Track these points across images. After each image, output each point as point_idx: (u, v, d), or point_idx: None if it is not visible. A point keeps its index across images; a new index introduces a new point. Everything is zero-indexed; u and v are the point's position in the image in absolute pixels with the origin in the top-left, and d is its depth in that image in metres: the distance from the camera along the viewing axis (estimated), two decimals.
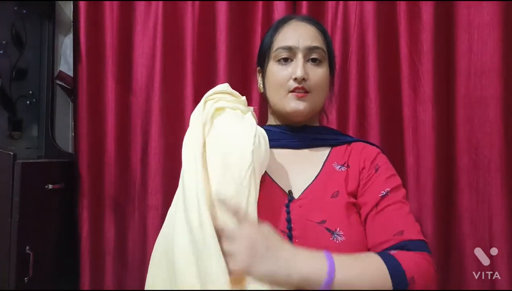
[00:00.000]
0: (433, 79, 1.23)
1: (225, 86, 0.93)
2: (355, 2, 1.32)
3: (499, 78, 1.17)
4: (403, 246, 0.74)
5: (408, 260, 0.70)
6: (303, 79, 0.88)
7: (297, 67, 0.88)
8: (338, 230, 0.79)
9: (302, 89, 0.89)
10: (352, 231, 0.80)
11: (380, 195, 0.82)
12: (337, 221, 0.80)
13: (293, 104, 0.90)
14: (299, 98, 0.89)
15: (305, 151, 0.94)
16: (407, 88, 1.26)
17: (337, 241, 0.77)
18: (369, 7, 1.29)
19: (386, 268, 0.67)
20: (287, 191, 0.86)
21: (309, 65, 0.90)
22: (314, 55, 0.90)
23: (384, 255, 0.71)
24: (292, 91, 0.90)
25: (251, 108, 0.93)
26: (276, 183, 0.88)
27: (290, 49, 0.90)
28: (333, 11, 1.35)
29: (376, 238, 0.78)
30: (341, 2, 1.34)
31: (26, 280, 1.22)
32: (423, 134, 1.24)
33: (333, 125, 1.30)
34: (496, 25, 1.18)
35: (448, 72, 1.25)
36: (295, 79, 0.88)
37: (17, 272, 1.19)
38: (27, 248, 1.23)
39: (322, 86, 0.92)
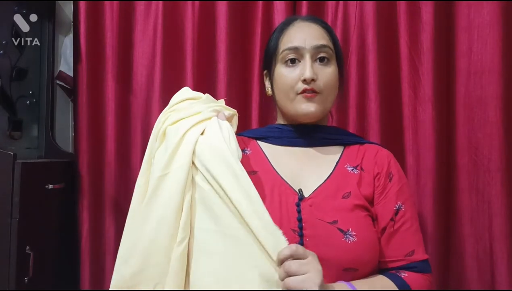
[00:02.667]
0: (433, 79, 1.22)
1: (182, 94, 0.91)
2: (355, 2, 1.32)
3: (499, 78, 1.17)
4: (412, 267, 0.84)
5: (417, 284, 0.82)
6: (312, 80, 0.87)
7: (306, 68, 0.87)
8: (350, 231, 0.79)
9: (311, 90, 0.87)
10: (364, 231, 0.81)
11: (394, 208, 0.86)
12: (349, 222, 0.80)
13: (304, 107, 0.89)
14: (309, 100, 0.88)
15: (317, 150, 0.94)
16: (407, 88, 1.26)
17: (349, 242, 0.78)
18: (369, 7, 1.29)
19: None
20: (297, 189, 0.85)
21: (317, 65, 0.89)
22: (321, 54, 0.89)
23: (398, 279, 0.82)
24: (302, 93, 0.88)
25: (218, 103, 0.91)
26: (285, 181, 0.87)
27: (296, 49, 0.89)
28: (333, 11, 1.35)
29: (389, 255, 0.85)
30: (341, 2, 1.34)
31: (26, 280, 1.22)
32: (423, 134, 1.24)
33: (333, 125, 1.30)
34: (496, 25, 1.18)
35: (448, 72, 1.25)
36: (304, 80, 0.87)
37: (17, 272, 1.19)
38: (27, 248, 1.23)
39: (332, 86, 0.90)
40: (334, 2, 1.35)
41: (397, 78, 1.28)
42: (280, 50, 0.91)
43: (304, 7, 1.34)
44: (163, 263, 0.75)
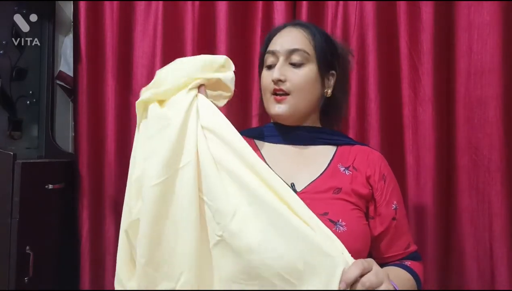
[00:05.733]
0: (433, 79, 1.22)
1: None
2: (355, 2, 1.32)
3: (499, 78, 1.17)
4: (412, 257, 0.95)
5: (420, 270, 0.93)
6: (280, 80, 0.91)
7: (275, 69, 0.92)
8: (340, 221, 0.83)
9: (280, 90, 0.92)
10: (353, 223, 0.85)
11: (393, 209, 0.92)
12: (339, 213, 0.84)
13: (275, 108, 0.93)
14: (278, 102, 0.92)
15: (309, 148, 0.97)
16: (407, 88, 1.26)
17: (340, 231, 0.82)
18: (369, 7, 1.29)
19: (415, 282, 0.91)
20: (289, 184, 0.88)
21: (289, 67, 0.93)
22: (294, 58, 0.92)
23: (411, 271, 0.91)
24: (273, 94, 0.93)
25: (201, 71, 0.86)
26: (278, 175, 0.88)
27: (273, 53, 0.94)
28: (333, 11, 1.35)
29: (392, 251, 0.94)
30: (341, 2, 1.34)
31: (26, 280, 1.22)
32: (423, 134, 1.24)
33: None
34: (496, 25, 1.18)
35: (448, 72, 1.25)
36: (273, 81, 0.92)
37: (17, 272, 1.20)
38: (27, 248, 1.23)
39: (303, 87, 0.92)
40: (334, 2, 1.35)
41: (397, 78, 1.28)
42: (263, 55, 0.98)
43: (304, 7, 1.34)
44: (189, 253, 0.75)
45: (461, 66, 1.23)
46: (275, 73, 0.91)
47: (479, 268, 1.19)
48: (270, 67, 0.95)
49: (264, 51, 0.99)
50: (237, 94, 1.38)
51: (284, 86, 0.91)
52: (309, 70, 0.93)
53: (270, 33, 1.01)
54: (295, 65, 0.92)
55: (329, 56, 0.96)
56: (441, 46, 1.24)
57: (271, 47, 0.95)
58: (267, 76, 0.94)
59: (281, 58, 0.93)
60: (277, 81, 0.91)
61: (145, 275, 0.77)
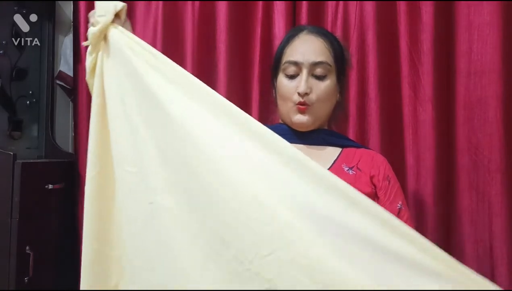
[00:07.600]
0: (433, 79, 1.22)
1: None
2: (355, 2, 1.32)
3: (499, 78, 1.17)
4: None
5: None
6: (306, 94, 0.94)
7: (301, 82, 0.94)
8: None
9: (304, 103, 0.94)
10: None
11: (397, 208, 0.94)
12: None
13: (297, 117, 0.96)
14: (302, 111, 0.95)
15: (315, 148, 0.99)
16: (407, 88, 1.26)
17: None
18: (369, 7, 1.29)
19: None
20: None
21: (313, 80, 0.95)
22: (317, 71, 0.95)
23: None
24: (297, 104, 0.95)
25: None
26: None
27: (296, 64, 0.96)
28: (333, 11, 1.35)
29: None
30: (341, 2, 1.34)
31: (26, 280, 1.22)
32: (423, 134, 1.24)
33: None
34: (496, 25, 1.18)
35: (448, 72, 1.25)
36: (299, 93, 0.94)
37: (17, 272, 1.20)
38: (27, 248, 1.23)
39: (325, 99, 0.96)
40: (334, 2, 1.34)
41: (397, 78, 1.28)
42: (283, 61, 0.99)
43: (304, 7, 1.34)
44: None
45: (461, 66, 1.23)
46: (303, 87, 0.93)
47: (479, 268, 1.18)
48: (292, 77, 0.96)
49: (280, 53, 1.00)
50: (237, 94, 1.39)
51: (307, 99, 0.94)
52: (331, 81, 0.97)
53: (288, 36, 1.02)
54: (319, 78, 0.95)
55: (344, 64, 1.01)
56: (441, 46, 1.24)
57: (293, 56, 0.96)
58: (289, 86, 0.96)
59: (305, 71, 0.94)
60: (304, 95, 0.93)
61: None
